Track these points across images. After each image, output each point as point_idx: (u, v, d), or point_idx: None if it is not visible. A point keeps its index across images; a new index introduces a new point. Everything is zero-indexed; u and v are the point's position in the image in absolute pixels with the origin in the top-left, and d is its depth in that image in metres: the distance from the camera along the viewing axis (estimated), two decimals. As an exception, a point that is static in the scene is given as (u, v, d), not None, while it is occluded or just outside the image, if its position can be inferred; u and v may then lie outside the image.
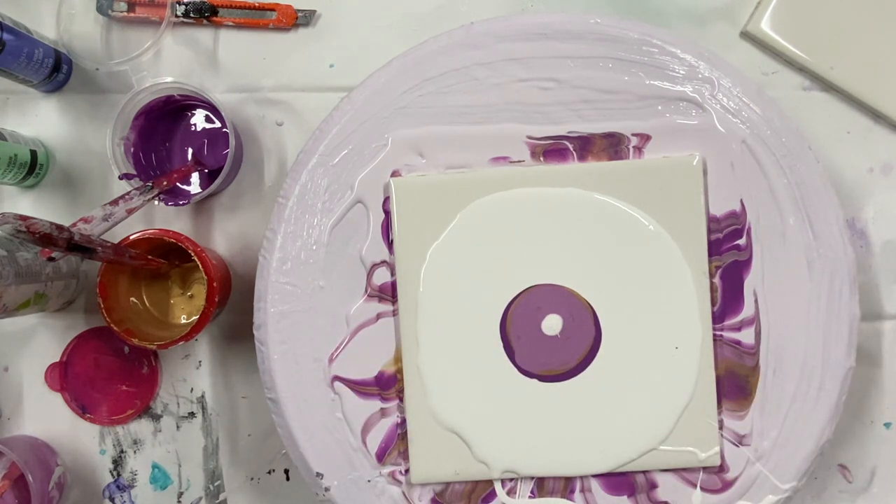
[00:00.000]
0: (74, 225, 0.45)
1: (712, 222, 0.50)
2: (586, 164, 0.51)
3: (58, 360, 0.56)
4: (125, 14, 0.56)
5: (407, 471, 0.50)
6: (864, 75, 0.53)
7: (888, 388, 0.55)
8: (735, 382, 0.50)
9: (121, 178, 0.52)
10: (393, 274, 0.51)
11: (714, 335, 0.50)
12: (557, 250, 0.50)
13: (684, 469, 0.50)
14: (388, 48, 0.52)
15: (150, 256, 0.52)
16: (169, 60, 0.56)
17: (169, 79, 0.52)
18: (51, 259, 0.45)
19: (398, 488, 0.50)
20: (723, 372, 0.50)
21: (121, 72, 0.55)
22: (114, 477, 0.56)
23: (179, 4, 0.55)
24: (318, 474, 0.50)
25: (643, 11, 0.55)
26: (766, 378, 0.50)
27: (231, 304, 0.55)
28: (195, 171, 0.55)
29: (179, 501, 0.56)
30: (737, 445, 0.50)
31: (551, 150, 0.51)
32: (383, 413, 0.51)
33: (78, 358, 0.56)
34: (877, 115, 0.54)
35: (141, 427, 0.56)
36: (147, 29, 0.56)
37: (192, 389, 0.56)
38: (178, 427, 0.56)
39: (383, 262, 0.51)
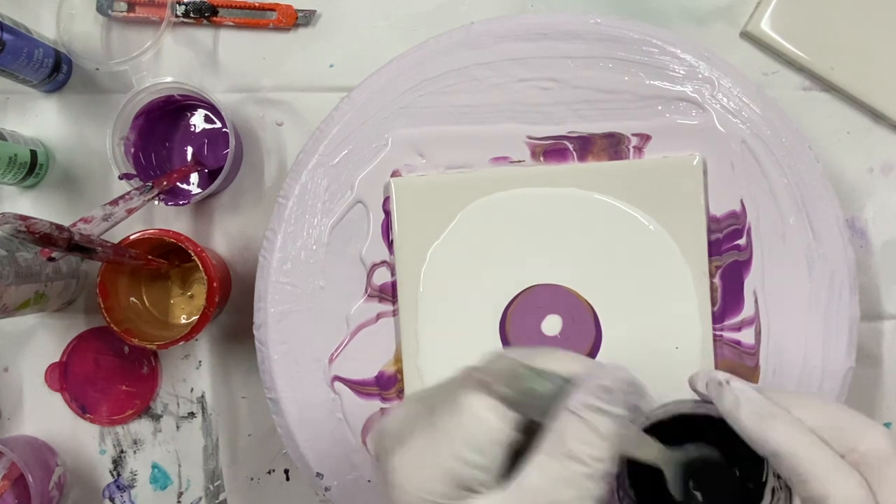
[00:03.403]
0: (74, 225, 0.45)
1: (712, 222, 0.50)
2: (586, 164, 0.51)
3: (58, 360, 0.56)
4: (125, 14, 0.56)
5: (407, 471, 0.50)
6: (864, 75, 0.53)
7: (888, 388, 0.55)
8: (735, 382, 0.50)
9: (121, 178, 0.52)
10: (393, 274, 0.51)
11: (714, 335, 0.50)
12: (557, 250, 0.50)
13: (684, 469, 0.50)
14: (388, 48, 0.52)
15: (150, 256, 0.52)
16: (169, 60, 0.56)
17: (169, 79, 0.52)
18: (51, 259, 0.45)
19: (398, 488, 0.50)
20: (723, 372, 0.50)
21: (121, 72, 0.55)
22: (114, 477, 0.56)
23: (179, 4, 0.55)
24: (318, 474, 0.50)
25: (643, 11, 0.55)
26: (766, 378, 0.50)
27: (231, 304, 0.55)
28: (195, 171, 0.55)
29: (179, 501, 0.56)
30: (737, 445, 0.50)
31: (551, 150, 0.51)
32: (383, 413, 0.51)
33: (78, 358, 0.56)
34: (877, 115, 0.54)
35: (141, 427, 0.56)
36: (147, 29, 0.56)
37: (192, 389, 0.56)
38: (178, 427, 0.56)
39: (383, 262, 0.51)
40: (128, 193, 0.49)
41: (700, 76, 0.50)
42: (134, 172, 0.53)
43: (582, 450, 0.29)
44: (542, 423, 0.30)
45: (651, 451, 0.33)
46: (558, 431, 0.29)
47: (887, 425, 0.55)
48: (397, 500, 0.30)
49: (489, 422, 0.29)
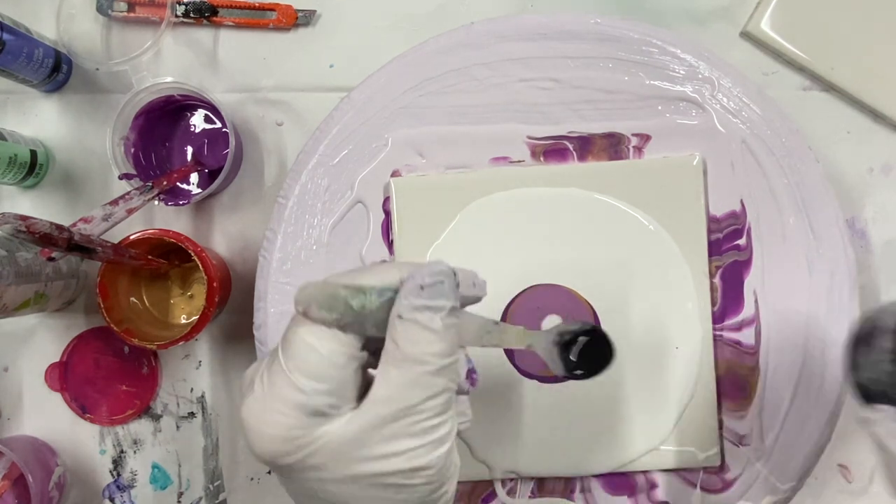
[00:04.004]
0: (74, 225, 0.45)
1: (712, 222, 0.50)
2: (586, 164, 0.51)
3: (58, 360, 0.56)
4: (125, 14, 0.56)
5: (407, 471, 0.50)
6: (864, 75, 0.53)
7: (888, 388, 0.54)
8: (735, 382, 0.50)
9: (121, 178, 0.52)
10: (393, 274, 0.51)
11: (714, 335, 0.50)
12: (557, 250, 0.50)
13: (684, 469, 0.50)
14: (388, 48, 0.52)
15: (150, 256, 0.52)
16: (169, 60, 0.56)
17: (169, 79, 0.52)
18: (51, 259, 0.45)
19: (398, 488, 0.50)
20: (723, 372, 0.50)
21: (121, 72, 0.55)
22: (114, 477, 0.56)
23: (179, 4, 0.55)
24: (318, 474, 0.50)
25: (643, 11, 0.55)
26: (766, 378, 0.50)
27: (231, 304, 0.55)
28: (195, 171, 0.55)
29: (179, 501, 0.56)
30: (737, 445, 0.50)
31: (551, 150, 0.51)
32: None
33: (78, 358, 0.56)
34: (877, 115, 0.54)
35: (141, 427, 0.56)
36: (147, 29, 0.56)
37: (192, 389, 0.56)
38: (178, 427, 0.56)
39: (383, 262, 0.51)
40: (128, 193, 0.49)
41: (700, 76, 0.50)
42: (134, 172, 0.53)
43: (417, 350, 0.29)
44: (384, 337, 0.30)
45: (512, 338, 0.34)
46: (392, 339, 0.29)
47: (887, 425, 0.55)
48: (254, 444, 0.30)
49: (319, 347, 0.29)
